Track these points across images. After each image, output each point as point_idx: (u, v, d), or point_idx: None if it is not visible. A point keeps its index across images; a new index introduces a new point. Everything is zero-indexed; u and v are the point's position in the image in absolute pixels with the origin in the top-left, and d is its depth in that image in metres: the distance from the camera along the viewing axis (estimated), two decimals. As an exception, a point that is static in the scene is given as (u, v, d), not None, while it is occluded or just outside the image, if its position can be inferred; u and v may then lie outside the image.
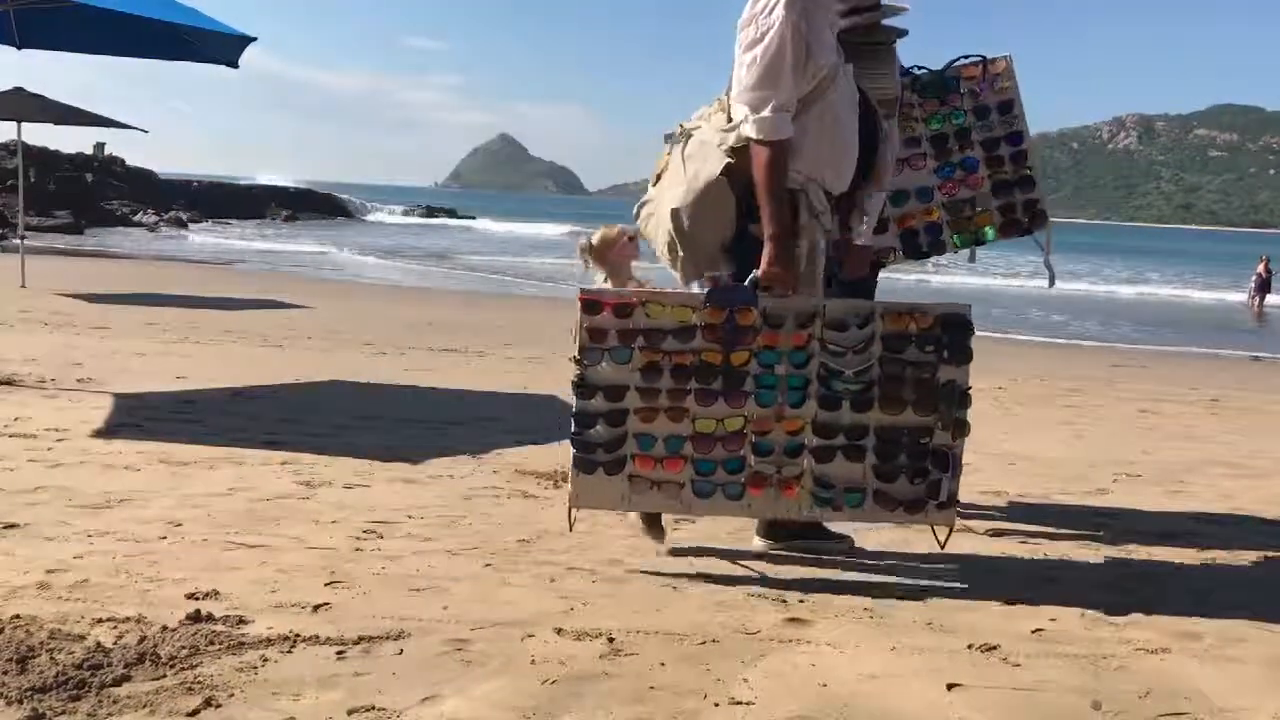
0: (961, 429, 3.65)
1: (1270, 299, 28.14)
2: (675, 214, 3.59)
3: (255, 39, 7.26)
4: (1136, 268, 39.99)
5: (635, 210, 3.99)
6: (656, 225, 3.75)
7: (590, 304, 3.54)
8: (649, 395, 3.52)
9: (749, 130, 3.44)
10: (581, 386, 3.56)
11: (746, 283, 3.48)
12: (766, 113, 3.41)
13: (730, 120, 3.56)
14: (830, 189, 3.61)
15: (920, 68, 4.57)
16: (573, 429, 3.57)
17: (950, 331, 3.59)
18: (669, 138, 3.81)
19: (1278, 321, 24.92)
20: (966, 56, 4.66)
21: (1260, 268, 29.07)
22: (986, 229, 4.63)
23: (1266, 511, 5.00)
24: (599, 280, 5.08)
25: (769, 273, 3.44)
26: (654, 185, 3.88)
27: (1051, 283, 4.95)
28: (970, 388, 3.65)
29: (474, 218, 63.95)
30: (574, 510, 3.65)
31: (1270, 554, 4.26)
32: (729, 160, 3.50)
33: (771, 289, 3.46)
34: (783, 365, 3.51)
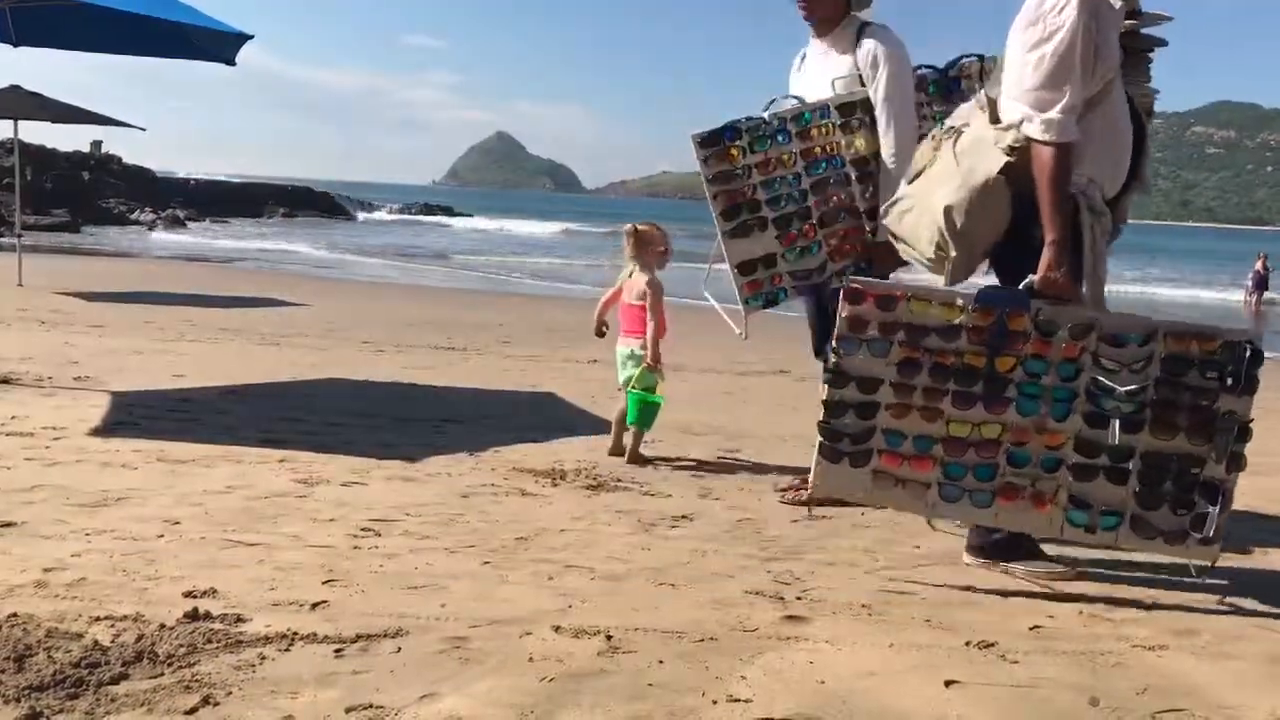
0: (1237, 463, 3.50)
1: (1268, 295, 28.14)
2: (948, 211, 3.51)
3: (252, 37, 7.25)
4: (1137, 266, 39.97)
5: (883, 211, 3.96)
6: (916, 223, 3.67)
7: (853, 294, 3.49)
8: (904, 391, 3.47)
9: (1033, 130, 3.35)
10: (835, 375, 3.52)
11: (1021, 287, 3.38)
12: (1054, 114, 3.32)
13: (996, 119, 3.50)
14: (1106, 193, 3.53)
15: (926, 67, 4.58)
16: (821, 416, 3.54)
17: (1237, 359, 3.41)
18: (931, 136, 3.81)
19: (1276, 319, 24.93)
20: (967, 55, 4.67)
21: (1258, 265, 29.09)
22: None
23: (1265, 508, 5.00)
24: (634, 268, 5.59)
25: (1047, 278, 3.34)
26: (909, 184, 3.82)
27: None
28: (1252, 420, 3.47)
29: (471, 214, 63.83)
30: (813, 497, 3.69)
31: (1269, 551, 4.27)
32: (1008, 159, 3.42)
33: (1047, 295, 3.36)
34: (1050, 376, 3.41)
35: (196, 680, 2.48)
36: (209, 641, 2.72)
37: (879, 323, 3.47)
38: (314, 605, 3.04)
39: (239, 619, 2.89)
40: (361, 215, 55.55)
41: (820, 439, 3.54)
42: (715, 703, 2.52)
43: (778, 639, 2.97)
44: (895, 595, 3.42)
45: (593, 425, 6.26)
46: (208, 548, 3.54)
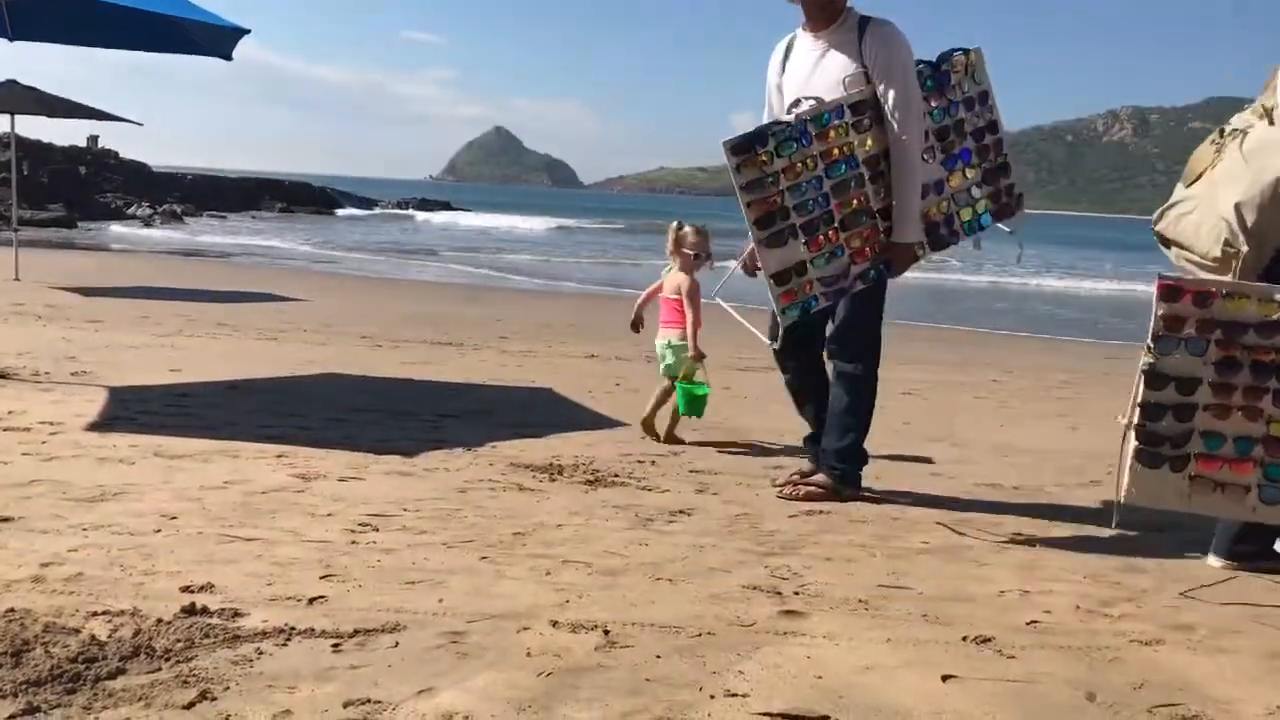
0: None
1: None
2: (1239, 208, 3.55)
3: (249, 31, 7.23)
4: (1133, 263, 40.03)
5: (1155, 216, 3.98)
6: (1199, 224, 3.71)
7: (1169, 291, 3.45)
8: (1223, 391, 3.42)
9: None
10: (1153, 377, 3.47)
11: None
12: None
13: (1273, 123, 3.55)
14: None
15: (919, 62, 4.56)
16: (1138, 419, 3.50)
17: None
18: (1210, 140, 3.83)
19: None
20: (954, 50, 4.66)
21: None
22: (984, 215, 4.74)
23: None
24: (673, 266, 5.97)
25: None
26: (1186, 186, 3.85)
27: (1020, 259, 5.09)
28: None
29: (469, 209, 63.74)
30: (1121, 503, 3.65)
31: (1264, 546, 4.27)
32: None
33: None
34: None
35: (194, 675, 2.48)
36: (206, 636, 2.71)
37: (1196, 320, 3.42)
38: (311, 600, 3.04)
39: (236, 614, 2.89)
40: (340, 211, 54.57)
41: (1137, 444, 3.47)
42: (712, 697, 2.52)
43: (775, 634, 2.98)
44: (892, 590, 3.42)
45: (590, 420, 6.26)
46: (205, 543, 3.54)
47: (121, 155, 45.02)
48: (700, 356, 5.73)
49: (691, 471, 5.07)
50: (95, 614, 2.83)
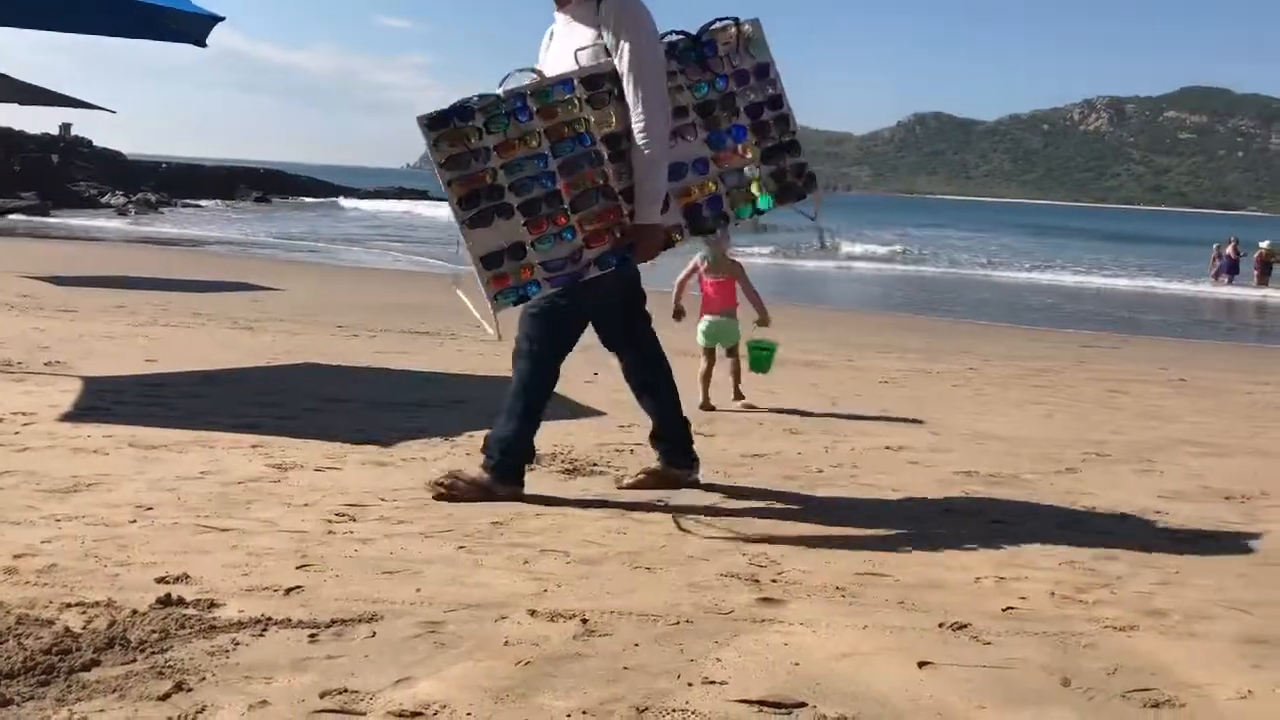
0: None
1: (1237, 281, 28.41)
2: None
3: (224, 18, 7.17)
4: (1111, 254, 40.30)
5: None
6: None
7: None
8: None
9: None
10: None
11: None
12: None
13: None
14: None
15: (676, 33, 4.27)
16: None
17: None
18: None
19: (1243, 305, 25.19)
20: (721, 19, 4.37)
21: (1229, 249, 29.35)
22: (764, 197, 4.37)
23: (1233, 490, 5.06)
24: (709, 253, 6.73)
25: None
26: None
27: (823, 245, 4.83)
28: None
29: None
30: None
31: (1237, 532, 4.31)
32: None
33: None
34: None
35: (169, 666, 2.47)
36: (182, 627, 2.70)
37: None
38: (288, 591, 3.03)
39: (212, 605, 2.88)
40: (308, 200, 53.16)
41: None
42: (690, 685, 2.53)
43: (753, 621, 2.98)
44: (869, 578, 3.44)
45: (568, 410, 6.25)
46: (180, 533, 3.52)
47: (95, 143, 44.59)
48: (767, 321, 6.82)
49: (670, 460, 5.06)
50: (69, 605, 2.81)
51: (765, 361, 6.77)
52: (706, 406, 6.66)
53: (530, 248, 4.08)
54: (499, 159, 4.04)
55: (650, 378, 4.59)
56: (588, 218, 4.11)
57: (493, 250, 4.06)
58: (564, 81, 4.10)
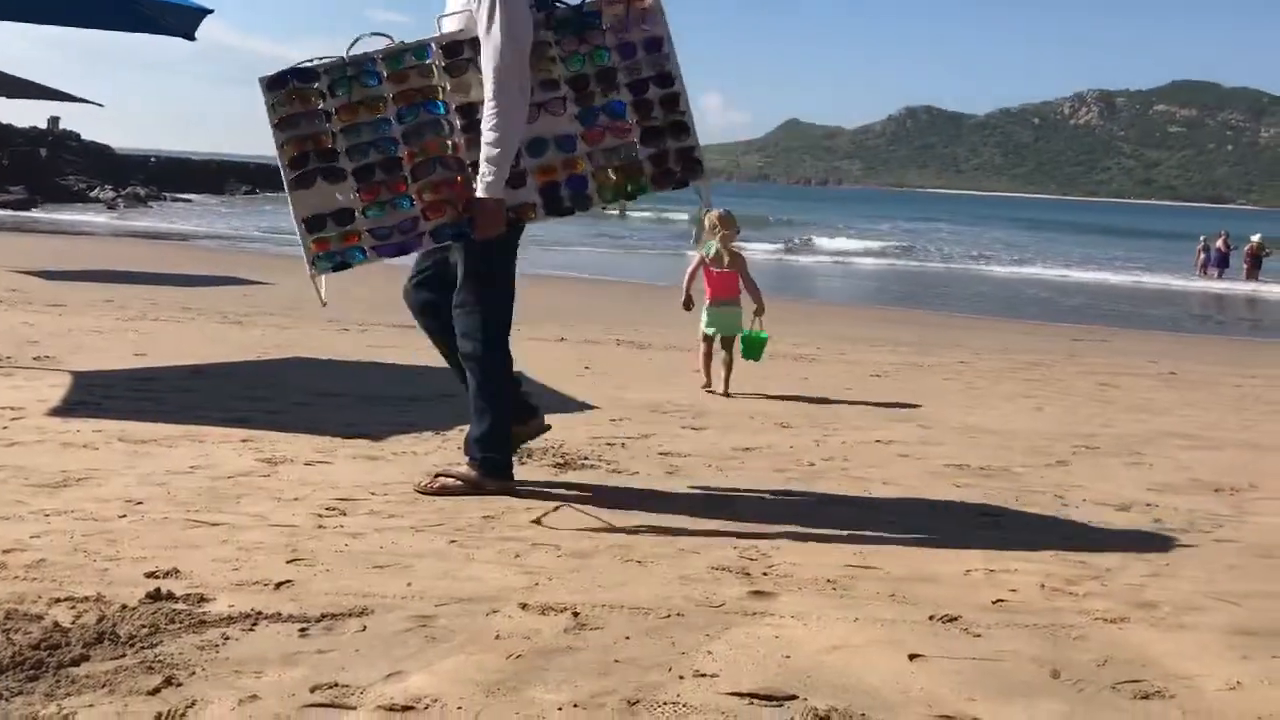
0: None
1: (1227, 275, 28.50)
2: None
3: (212, 11, 7.14)
4: (1102, 248, 40.38)
5: None
6: None
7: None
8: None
9: None
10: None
11: None
12: None
13: None
14: None
15: (559, 2, 4.07)
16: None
17: None
18: None
19: (1233, 299, 25.27)
20: None
21: (1219, 243, 29.44)
22: (638, 180, 4.13)
23: (1223, 482, 5.08)
24: (713, 248, 7.10)
25: None
26: None
27: (696, 240, 4.69)
28: None
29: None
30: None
31: (1226, 524, 4.33)
32: None
33: None
34: None
35: (159, 661, 2.46)
36: (171, 622, 2.69)
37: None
38: (278, 585, 3.02)
39: (202, 599, 2.87)
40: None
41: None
42: (681, 678, 2.53)
43: (744, 614, 2.99)
44: (860, 570, 3.44)
45: (559, 404, 6.25)
46: (170, 528, 3.50)
47: (83, 137, 44.40)
48: (763, 310, 7.29)
49: (661, 454, 5.07)
50: (58, 600, 2.80)
51: (758, 350, 7.21)
52: (709, 388, 7.11)
53: (360, 214, 3.98)
54: (339, 122, 3.94)
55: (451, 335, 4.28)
56: (427, 187, 3.98)
57: (316, 213, 3.98)
58: (422, 47, 3.99)
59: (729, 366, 7.17)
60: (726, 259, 7.33)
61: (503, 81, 3.81)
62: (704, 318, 7.33)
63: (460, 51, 3.95)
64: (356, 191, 3.96)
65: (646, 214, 46.13)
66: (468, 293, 4.07)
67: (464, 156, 3.97)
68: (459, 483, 4.12)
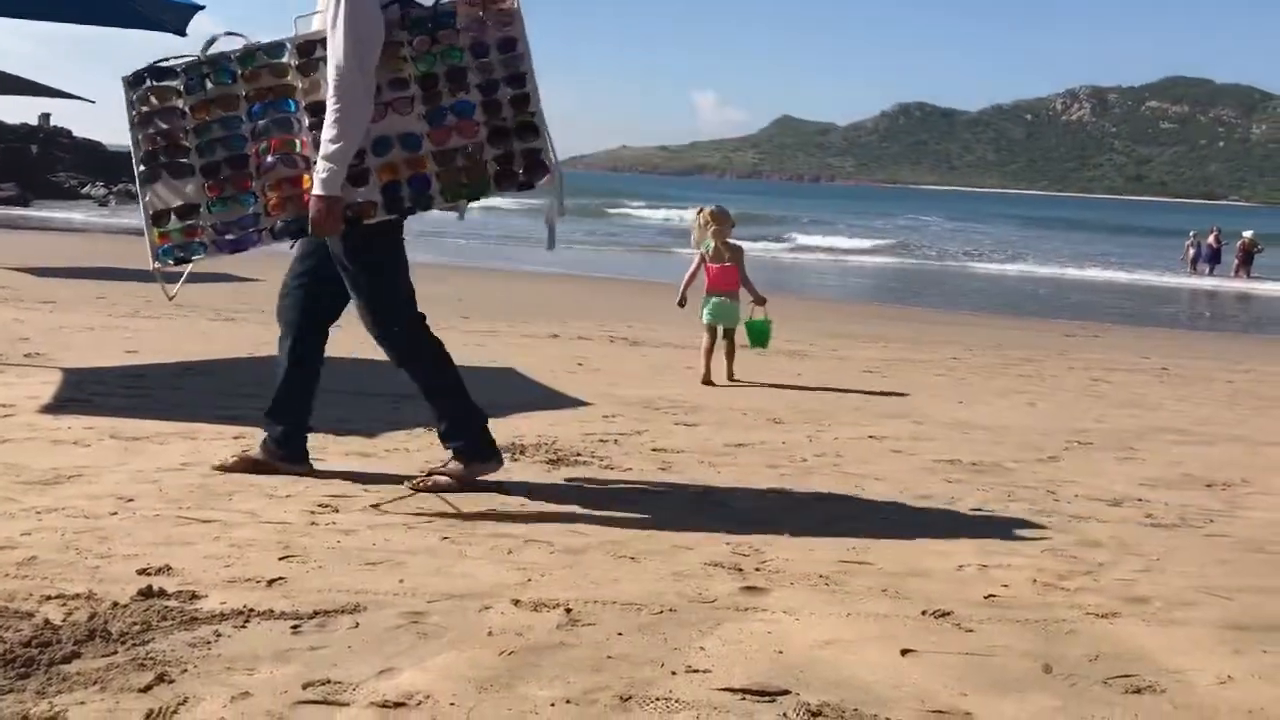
0: None
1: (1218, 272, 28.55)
2: None
3: (204, 7, 7.12)
4: (1094, 244, 40.43)
5: None
6: None
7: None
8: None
9: None
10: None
11: None
12: None
13: None
14: None
15: (415, 1, 4.03)
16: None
17: None
18: None
19: (1224, 295, 25.33)
20: None
21: (1211, 238, 29.49)
22: (480, 181, 4.09)
23: (1214, 477, 5.09)
24: (714, 242, 7.62)
25: None
26: None
27: (551, 244, 4.56)
28: None
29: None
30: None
31: (1217, 519, 4.34)
32: None
33: None
34: None
35: (150, 658, 2.45)
36: (163, 619, 2.69)
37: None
38: (270, 582, 3.01)
39: (194, 596, 2.87)
40: None
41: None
42: (674, 674, 2.53)
43: (736, 610, 2.99)
44: (852, 566, 3.45)
45: (552, 400, 6.25)
46: (162, 525, 3.50)
47: (75, 134, 44.22)
48: (763, 301, 7.69)
49: (654, 450, 5.07)
50: (49, 598, 2.79)
51: (764, 337, 7.68)
52: (707, 381, 7.28)
53: (205, 209, 4.01)
54: (193, 120, 3.98)
55: (303, 325, 4.31)
56: (271, 184, 3.99)
57: (161, 209, 4.01)
58: (276, 46, 4.01)
59: (730, 355, 7.47)
60: (726, 254, 7.66)
61: (345, 80, 3.80)
62: (705, 310, 7.59)
63: (314, 50, 3.96)
64: (205, 187, 4.00)
65: (646, 213, 46.18)
66: (366, 297, 4.11)
67: (310, 154, 3.95)
68: (450, 480, 4.12)
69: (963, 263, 30.41)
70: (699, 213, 7.92)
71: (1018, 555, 3.66)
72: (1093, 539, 3.92)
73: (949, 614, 3.03)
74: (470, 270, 19.06)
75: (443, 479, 4.13)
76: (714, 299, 7.58)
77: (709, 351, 7.42)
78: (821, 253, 31.49)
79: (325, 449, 4.68)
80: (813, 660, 2.66)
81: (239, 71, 3.99)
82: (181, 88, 3.98)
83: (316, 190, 3.85)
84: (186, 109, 3.98)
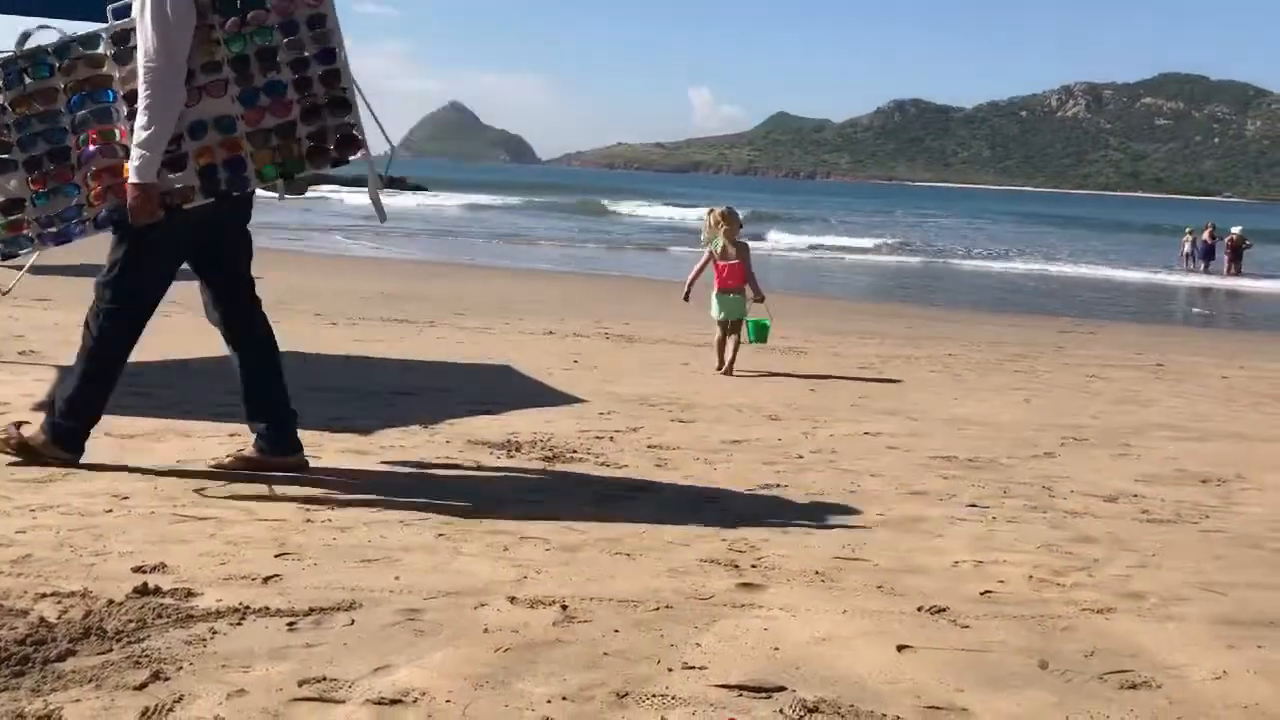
0: None
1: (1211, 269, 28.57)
2: None
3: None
4: (1088, 241, 40.43)
5: None
6: None
7: None
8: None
9: None
10: None
11: None
12: None
13: None
14: None
15: None
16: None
17: None
18: None
19: (1218, 291, 25.36)
20: None
21: (1205, 235, 29.52)
22: (294, 159, 4.12)
23: (1209, 473, 5.10)
24: (723, 240, 8.07)
25: None
26: None
27: (381, 218, 4.54)
28: None
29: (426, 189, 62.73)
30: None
31: (1212, 515, 4.35)
32: None
33: None
34: None
35: (146, 656, 2.45)
36: (159, 617, 2.68)
37: None
38: (266, 579, 3.01)
39: (189, 594, 2.86)
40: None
41: None
42: (670, 670, 2.53)
43: (732, 606, 2.99)
44: (848, 562, 3.45)
45: (548, 397, 6.25)
46: (157, 523, 3.49)
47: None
48: (762, 298, 8.09)
49: (649, 447, 5.07)
50: (44, 595, 2.78)
51: (764, 332, 8.12)
52: (727, 371, 7.72)
53: (31, 203, 4.03)
54: (13, 114, 3.99)
55: (244, 332, 4.43)
56: (92, 173, 4.01)
57: None
58: (91, 37, 4.02)
59: (735, 348, 7.85)
60: (734, 251, 8.10)
61: (154, 67, 3.79)
62: (715, 304, 8.02)
63: (129, 39, 3.97)
64: (30, 181, 4.02)
65: (643, 211, 46.09)
66: (112, 264, 4.10)
67: (129, 143, 3.93)
68: (18, 441, 4.11)
69: (959, 260, 30.43)
70: (710, 213, 8.38)
71: (1013, 551, 3.66)
72: (1088, 535, 3.93)
73: (945, 610, 3.03)
74: (466, 267, 19.05)
75: (12, 436, 4.12)
76: (722, 295, 7.99)
77: (722, 343, 7.88)
78: (818, 250, 31.49)
79: (321, 446, 4.67)
80: (809, 656, 2.66)
81: (56, 64, 4.02)
82: (0, 84, 4.00)
83: (132, 179, 3.85)
84: (6, 104, 4.00)
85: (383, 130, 4.20)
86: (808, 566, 3.37)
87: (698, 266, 8.38)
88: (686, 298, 8.38)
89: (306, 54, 4.10)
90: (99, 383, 4.16)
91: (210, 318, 4.39)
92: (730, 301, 8.00)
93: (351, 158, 4.22)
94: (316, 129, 4.13)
